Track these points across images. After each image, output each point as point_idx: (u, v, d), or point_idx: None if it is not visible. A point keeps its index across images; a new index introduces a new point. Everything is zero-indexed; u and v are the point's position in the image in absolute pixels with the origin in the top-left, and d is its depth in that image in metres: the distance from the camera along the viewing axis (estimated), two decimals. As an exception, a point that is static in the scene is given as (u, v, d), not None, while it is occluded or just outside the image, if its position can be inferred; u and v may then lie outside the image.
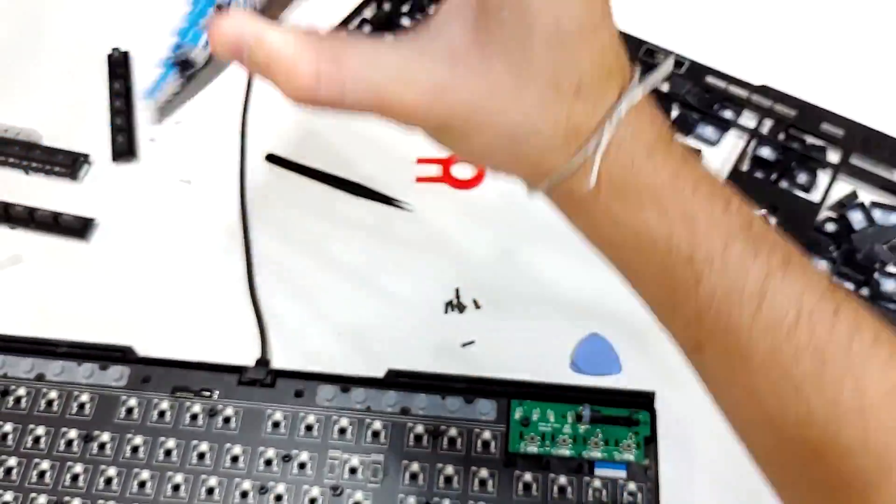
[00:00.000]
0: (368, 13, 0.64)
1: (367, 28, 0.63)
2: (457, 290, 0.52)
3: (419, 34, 0.25)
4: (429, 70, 0.24)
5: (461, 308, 0.51)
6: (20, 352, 0.49)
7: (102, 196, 0.58)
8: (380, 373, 0.48)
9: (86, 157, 0.60)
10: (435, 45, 0.24)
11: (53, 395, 0.48)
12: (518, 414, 0.46)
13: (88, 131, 0.61)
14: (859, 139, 0.56)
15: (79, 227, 0.56)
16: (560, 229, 0.29)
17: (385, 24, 0.63)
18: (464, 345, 0.50)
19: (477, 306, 0.52)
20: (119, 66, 0.64)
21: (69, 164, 0.59)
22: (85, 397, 0.47)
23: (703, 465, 0.45)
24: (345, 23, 0.63)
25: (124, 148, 0.60)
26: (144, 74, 0.63)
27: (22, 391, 0.48)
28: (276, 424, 0.46)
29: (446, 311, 0.51)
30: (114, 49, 0.64)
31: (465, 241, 0.54)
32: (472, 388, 0.47)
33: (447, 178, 0.57)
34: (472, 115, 0.24)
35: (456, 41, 0.24)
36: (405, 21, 0.63)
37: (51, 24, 0.67)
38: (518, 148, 0.25)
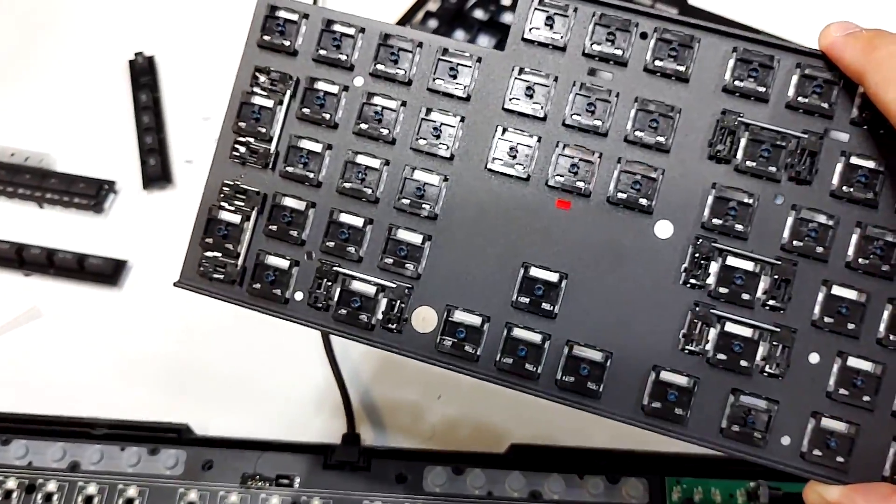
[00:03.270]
0: (433, 5, 0.55)
1: (432, 22, 0.55)
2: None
3: None
4: None
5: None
6: (48, 435, 0.40)
7: (134, 231, 0.48)
8: (500, 448, 0.40)
9: (111, 184, 0.50)
10: None
11: (92, 489, 0.38)
12: (676, 495, 0.39)
13: (112, 154, 0.51)
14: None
15: (108, 272, 0.46)
16: None
17: (453, 17, 0.54)
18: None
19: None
20: (143, 73, 0.53)
21: (91, 193, 0.49)
22: (132, 491, 0.38)
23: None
24: (407, 16, 0.55)
25: (157, 172, 0.50)
26: (174, 82, 0.53)
27: (52, 486, 0.38)
28: (377, 519, 0.38)
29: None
30: (136, 54, 0.53)
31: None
32: (615, 464, 0.39)
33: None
34: None
35: None
36: (477, 13, 0.55)
37: (61, 27, 0.56)
38: None
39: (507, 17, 0.55)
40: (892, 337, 0.26)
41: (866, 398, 0.26)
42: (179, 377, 0.44)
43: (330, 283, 0.28)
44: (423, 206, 0.28)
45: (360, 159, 0.28)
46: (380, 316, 0.28)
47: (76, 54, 0.55)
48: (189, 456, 0.39)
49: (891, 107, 0.24)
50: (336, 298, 0.28)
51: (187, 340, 0.45)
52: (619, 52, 0.27)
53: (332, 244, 0.28)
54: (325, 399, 0.43)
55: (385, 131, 0.28)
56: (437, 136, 0.28)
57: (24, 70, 0.55)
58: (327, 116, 0.29)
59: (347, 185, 0.28)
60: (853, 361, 0.26)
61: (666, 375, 0.27)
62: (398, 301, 0.28)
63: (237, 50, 0.29)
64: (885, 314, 0.26)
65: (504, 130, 0.28)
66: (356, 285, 0.28)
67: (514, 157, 0.28)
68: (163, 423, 0.41)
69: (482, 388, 0.40)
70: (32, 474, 0.39)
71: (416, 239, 0.28)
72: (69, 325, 0.46)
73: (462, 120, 0.28)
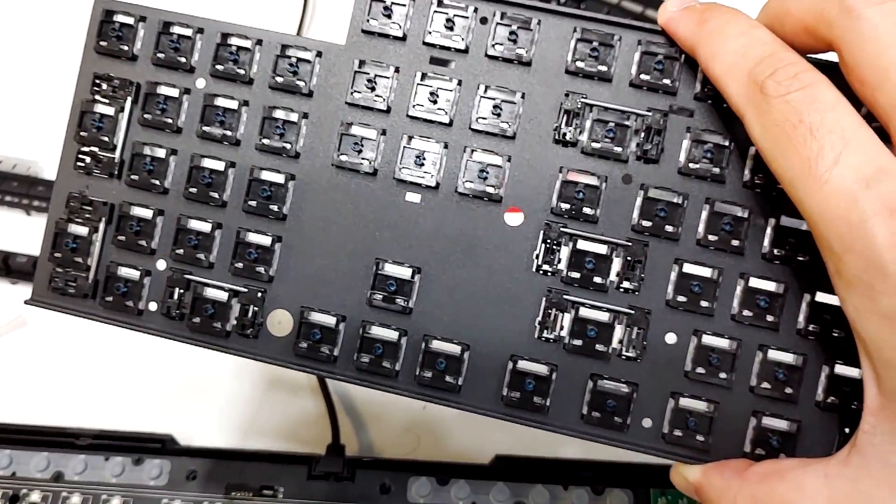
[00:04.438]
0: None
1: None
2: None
3: (848, 461, 0.23)
4: (879, 500, 0.22)
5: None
6: (32, 445, 0.40)
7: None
8: (485, 459, 0.40)
9: (98, 192, 0.50)
10: (872, 470, 0.22)
11: (76, 499, 0.38)
12: None
13: (101, 160, 0.51)
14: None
15: None
16: None
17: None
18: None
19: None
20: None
21: (80, 200, 0.49)
22: (116, 501, 0.38)
23: None
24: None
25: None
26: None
27: (36, 496, 0.38)
28: (360, 530, 0.38)
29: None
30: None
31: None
32: (600, 475, 0.39)
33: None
34: None
35: (894, 458, 0.22)
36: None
37: (49, 33, 0.55)
38: None
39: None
40: (745, 312, 0.26)
41: (723, 375, 0.26)
42: (166, 386, 0.44)
43: (182, 292, 0.28)
44: (271, 206, 0.27)
45: (206, 163, 0.28)
46: (234, 322, 0.28)
47: (65, 61, 0.54)
48: (173, 466, 0.39)
49: (720, 80, 0.24)
50: (189, 307, 0.28)
51: (173, 350, 0.45)
52: (458, 39, 0.27)
53: (181, 251, 0.28)
54: (311, 409, 0.43)
55: (229, 133, 0.28)
56: (282, 135, 0.27)
57: (12, 77, 0.54)
58: (170, 121, 0.28)
59: (194, 189, 0.28)
60: (709, 339, 0.26)
61: (523, 364, 0.27)
62: (252, 305, 0.27)
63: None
64: (738, 290, 0.26)
65: (349, 125, 0.27)
66: (209, 292, 0.28)
67: (360, 151, 0.27)
68: (147, 433, 0.41)
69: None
70: (16, 484, 0.39)
71: (265, 241, 0.27)
72: (55, 334, 0.46)
73: (306, 116, 0.27)
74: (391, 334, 0.27)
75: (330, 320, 0.27)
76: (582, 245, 0.27)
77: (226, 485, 0.39)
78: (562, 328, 0.27)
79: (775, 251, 0.26)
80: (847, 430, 0.26)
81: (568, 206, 0.26)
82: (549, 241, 0.27)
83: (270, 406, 0.44)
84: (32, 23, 0.56)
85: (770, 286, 0.26)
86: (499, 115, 0.27)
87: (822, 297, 0.26)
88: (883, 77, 0.21)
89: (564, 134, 0.27)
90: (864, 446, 0.23)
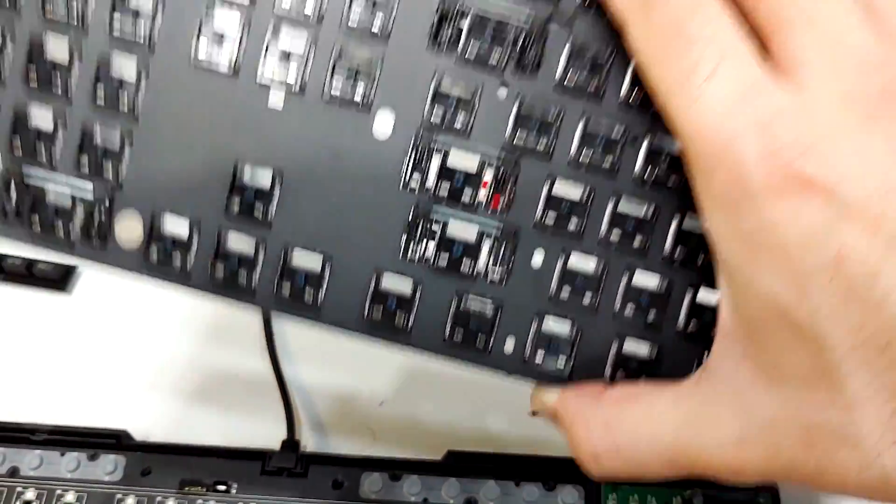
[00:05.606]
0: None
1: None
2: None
3: (698, 384, 0.23)
4: (723, 423, 0.22)
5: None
6: None
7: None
8: (437, 455, 0.39)
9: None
10: (719, 393, 0.22)
11: (31, 495, 0.37)
12: (612, 503, 0.38)
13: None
14: None
15: (57, 277, 0.46)
16: None
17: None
18: (534, 413, 0.42)
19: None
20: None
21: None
22: (70, 497, 0.37)
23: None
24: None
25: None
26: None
27: None
28: (311, 524, 0.38)
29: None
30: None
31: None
32: (552, 471, 0.39)
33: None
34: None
35: (740, 381, 0.22)
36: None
37: None
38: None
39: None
40: (613, 236, 0.25)
41: (588, 299, 0.26)
42: (123, 381, 0.44)
43: (22, 194, 0.26)
44: (122, 101, 0.25)
45: (49, 49, 0.25)
46: (79, 226, 0.26)
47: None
48: (128, 462, 0.38)
49: None
50: (29, 209, 0.26)
51: (134, 344, 0.45)
52: (330, -72, 0.25)
53: (21, 147, 0.25)
54: (268, 405, 0.42)
55: (74, 14, 0.25)
56: (135, 24, 0.25)
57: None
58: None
59: (34, 77, 0.25)
60: (576, 262, 0.26)
61: (387, 282, 0.26)
62: (99, 205, 0.26)
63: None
64: (608, 211, 0.25)
65: (209, 11, 0.25)
66: (51, 194, 0.26)
67: (221, 46, 0.25)
68: (103, 428, 0.40)
69: (425, 395, 0.43)
70: (-30, 480, 0.38)
71: (115, 139, 0.25)
72: (17, 330, 0.45)
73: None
74: (248, 244, 0.26)
75: (183, 226, 0.26)
76: (452, 160, 0.25)
77: (180, 480, 0.38)
78: (428, 246, 0.26)
79: (647, 173, 0.25)
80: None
81: (440, 116, 0.25)
82: (417, 154, 0.25)
83: (227, 401, 0.43)
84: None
85: (640, 209, 0.25)
86: (373, 13, 0.25)
87: (690, 223, 0.25)
88: None
89: (441, 38, 0.25)
90: (713, 370, 0.23)
